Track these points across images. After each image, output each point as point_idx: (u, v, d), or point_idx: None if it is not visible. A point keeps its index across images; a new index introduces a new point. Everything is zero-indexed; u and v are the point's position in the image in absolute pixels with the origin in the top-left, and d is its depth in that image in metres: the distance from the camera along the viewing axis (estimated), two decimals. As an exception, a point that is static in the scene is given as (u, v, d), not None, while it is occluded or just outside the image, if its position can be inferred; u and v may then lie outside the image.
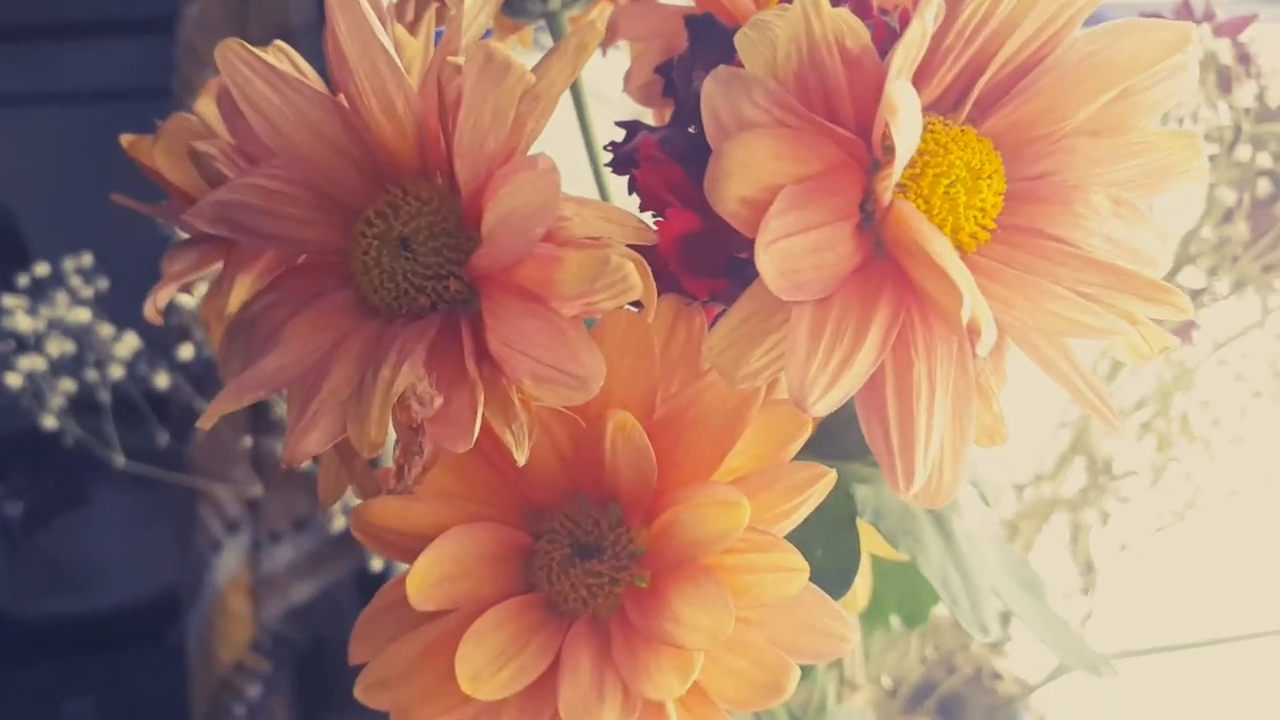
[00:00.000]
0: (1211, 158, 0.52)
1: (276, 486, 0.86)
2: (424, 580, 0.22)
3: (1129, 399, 0.61)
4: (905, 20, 0.22)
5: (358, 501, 0.24)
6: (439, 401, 0.20)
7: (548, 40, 0.34)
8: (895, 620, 0.43)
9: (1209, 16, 0.52)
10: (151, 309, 0.28)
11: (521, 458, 0.20)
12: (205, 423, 0.22)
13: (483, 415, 0.20)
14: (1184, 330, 0.58)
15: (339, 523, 0.71)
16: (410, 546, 0.22)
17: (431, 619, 0.23)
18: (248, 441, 0.82)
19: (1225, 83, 0.51)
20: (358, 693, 0.23)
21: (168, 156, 0.27)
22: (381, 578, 0.80)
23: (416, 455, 0.21)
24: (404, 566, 0.23)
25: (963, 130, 0.22)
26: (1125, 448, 0.63)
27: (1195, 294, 0.55)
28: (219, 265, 0.27)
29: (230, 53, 0.21)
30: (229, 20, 0.85)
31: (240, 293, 0.26)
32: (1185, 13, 0.53)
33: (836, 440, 0.32)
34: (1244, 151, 0.50)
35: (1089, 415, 0.65)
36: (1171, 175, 0.23)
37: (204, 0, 0.86)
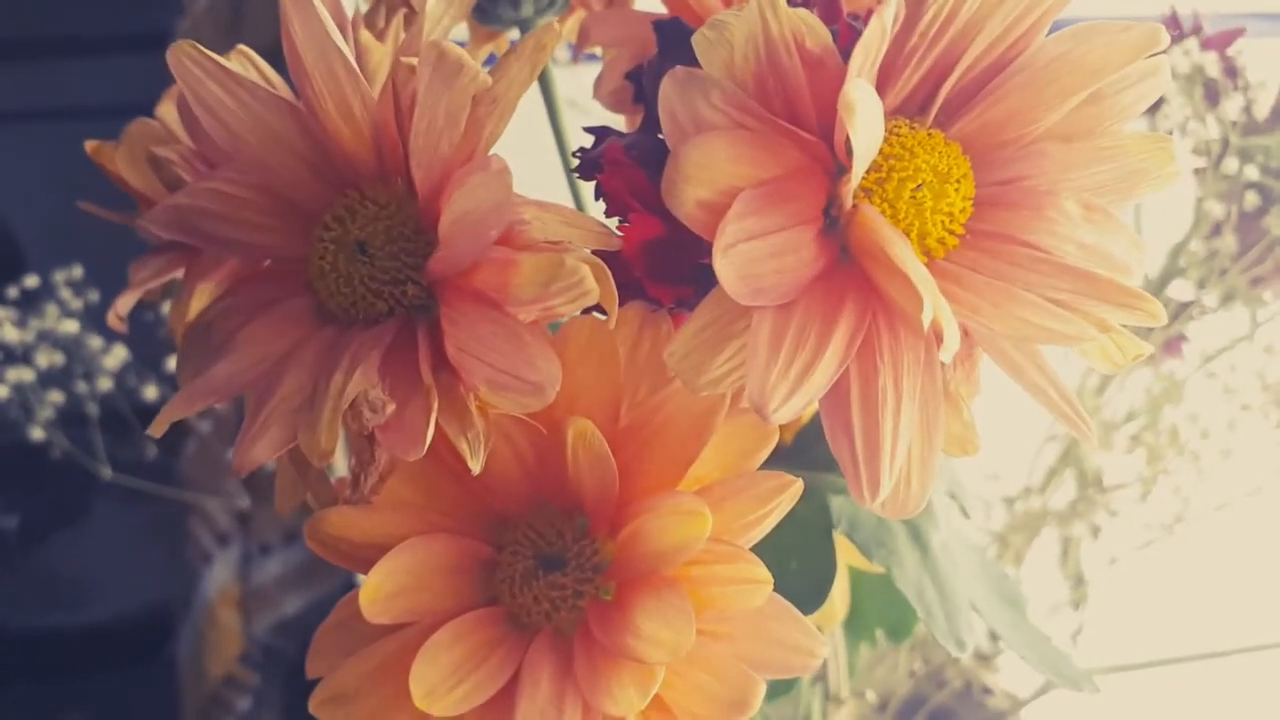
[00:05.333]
0: (1199, 171, 0.52)
1: (266, 499, 0.85)
2: (378, 593, 0.21)
3: (1118, 412, 0.61)
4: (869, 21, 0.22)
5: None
6: (391, 408, 0.20)
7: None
8: (882, 634, 0.42)
9: (1197, 30, 0.51)
10: (114, 316, 0.28)
11: (476, 466, 0.20)
12: (156, 430, 0.21)
13: (438, 423, 0.20)
14: (1173, 344, 0.58)
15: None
16: (367, 557, 0.22)
17: (387, 633, 0.22)
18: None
19: (1213, 96, 0.50)
20: (313, 707, 0.22)
21: (130, 162, 0.26)
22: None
23: (372, 464, 0.21)
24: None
25: (930, 134, 0.21)
26: (1114, 461, 0.62)
27: (1184, 307, 0.55)
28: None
29: (182, 54, 0.21)
30: (221, 35, 0.85)
31: (200, 300, 0.25)
32: (1173, 25, 0.52)
33: (812, 451, 0.31)
34: (1232, 164, 0.50)
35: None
36: (1145, 180, 0.22)
37: (195, 15, 0.86)
